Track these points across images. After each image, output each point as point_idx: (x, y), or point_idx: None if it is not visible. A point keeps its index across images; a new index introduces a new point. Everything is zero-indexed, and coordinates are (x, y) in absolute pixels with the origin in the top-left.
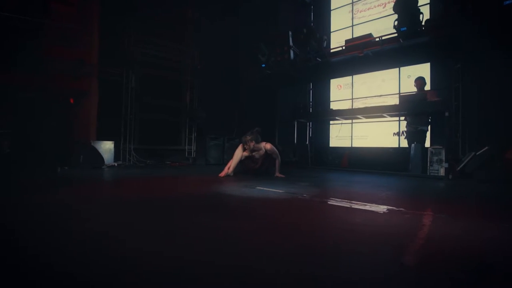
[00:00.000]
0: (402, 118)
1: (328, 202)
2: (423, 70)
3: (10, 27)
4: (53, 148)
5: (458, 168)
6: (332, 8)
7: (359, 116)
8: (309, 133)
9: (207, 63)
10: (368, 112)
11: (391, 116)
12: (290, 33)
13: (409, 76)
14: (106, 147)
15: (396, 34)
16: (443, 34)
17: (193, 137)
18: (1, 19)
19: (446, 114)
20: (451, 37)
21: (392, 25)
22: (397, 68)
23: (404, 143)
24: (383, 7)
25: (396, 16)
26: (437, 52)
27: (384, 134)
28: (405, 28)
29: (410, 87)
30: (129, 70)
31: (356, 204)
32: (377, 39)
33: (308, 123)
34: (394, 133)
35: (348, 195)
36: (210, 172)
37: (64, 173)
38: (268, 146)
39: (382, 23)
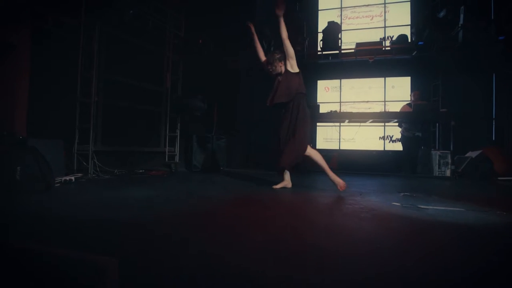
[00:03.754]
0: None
1: None
2: (404, 82)
3: None
4: None
5: (460, 170)
6: (320, 8)
7: (369, 120)
8: None
9: (196, 40)
10: (383, 117)
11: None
12: (305, 22)
13: (393, 86)
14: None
15: (387, 46)
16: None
17: (177, 136)
18: None
19: (452, 123)
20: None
21: (378, 38)
22: (383, 78)
23: (389, 147)
24: (371, 19)
25: (381, 30)
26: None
27: (370, 138)
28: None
29: (393, 96)
30: (94, 22)
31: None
32: (389, 48)
33: None
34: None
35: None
36: (252, 181)
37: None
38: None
39: (368, 34)
